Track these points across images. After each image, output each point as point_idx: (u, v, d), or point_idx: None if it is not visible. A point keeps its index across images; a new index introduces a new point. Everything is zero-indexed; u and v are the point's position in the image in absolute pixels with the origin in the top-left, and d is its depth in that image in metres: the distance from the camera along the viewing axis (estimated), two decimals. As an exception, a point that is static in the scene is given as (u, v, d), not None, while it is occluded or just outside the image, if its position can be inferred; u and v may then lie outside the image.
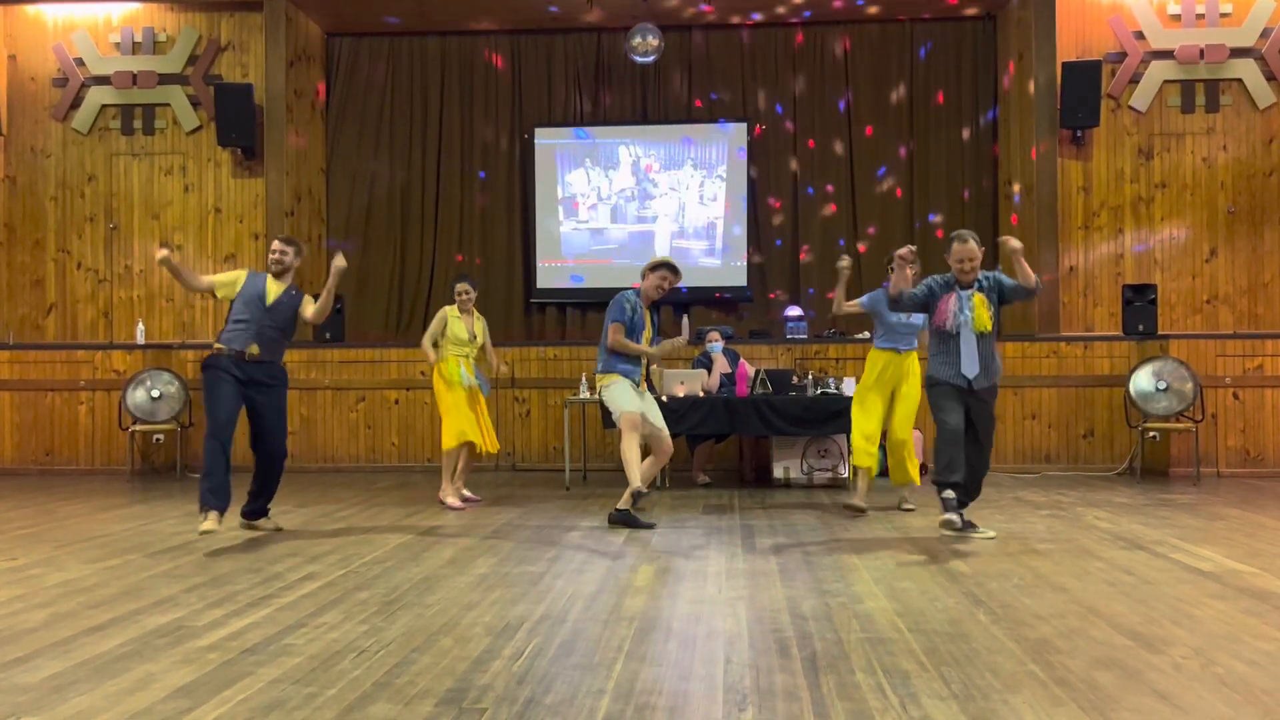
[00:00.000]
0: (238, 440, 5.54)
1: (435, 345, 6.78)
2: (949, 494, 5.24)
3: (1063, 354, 8.82)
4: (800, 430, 7.61)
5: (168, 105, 10.35)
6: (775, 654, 3.30)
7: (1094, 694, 2.89)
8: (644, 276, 6.09)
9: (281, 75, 9.99)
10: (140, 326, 9.86)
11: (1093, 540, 5.36)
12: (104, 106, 10.37)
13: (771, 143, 10.54)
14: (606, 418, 6.68)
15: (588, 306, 10.48)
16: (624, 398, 5.93)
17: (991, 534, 5.45)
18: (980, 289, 5.30)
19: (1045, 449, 8.80)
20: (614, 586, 4.33)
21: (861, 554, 5.03)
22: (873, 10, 10.20)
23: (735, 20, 10.41)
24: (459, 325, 6.78)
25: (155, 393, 8.65)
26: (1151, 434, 8.21)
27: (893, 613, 3.82)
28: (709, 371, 8.09)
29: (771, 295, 10.42)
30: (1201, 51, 9.57)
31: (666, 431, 6.11)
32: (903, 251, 5.63)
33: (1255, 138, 9.66)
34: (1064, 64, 9.32)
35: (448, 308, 6.90)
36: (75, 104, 10.38)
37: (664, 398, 7.48)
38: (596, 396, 6.53)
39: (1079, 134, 9.61)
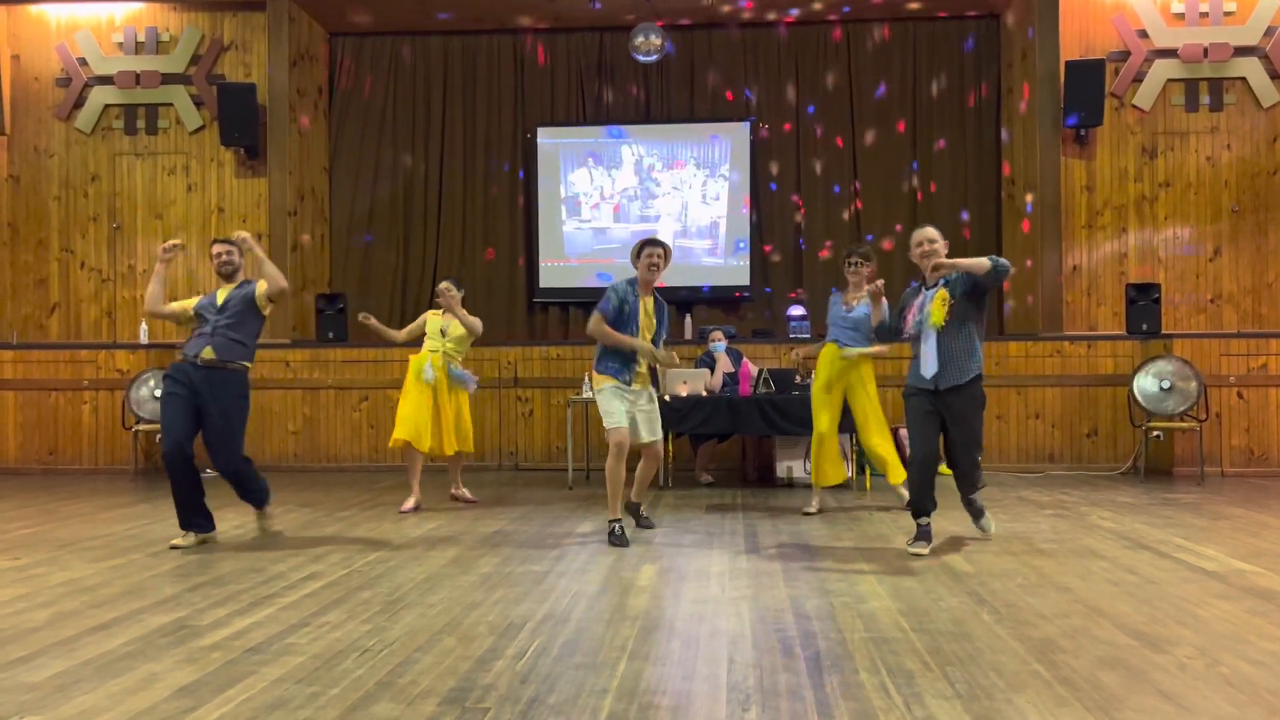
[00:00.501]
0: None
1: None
2: (924, 520, 5.10)
3: (1066, 353, 8.81)
4: (803, 430, 7.55)
5: (171, 105, 10.37)
6: (779, 653, 3.30)
7: (1098, 694, 2.88)
8: (634, 264, 5.77)
9: (284, 75, 9.99)
10: (144, 326, 9.87)
11: (1097, 540, 5.35)
12: (107, 106, 10.39)
13: (774, 142, 10.53)
14: None
15: (591, 306, 10.41)
16: (610, 408, 5.49)
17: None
18: (945, 284, 5.12)
19: (1049, 448, 8.79)
20: (617, 586, 4.33)
21: (865, 553, 5.03)
22: (875, 4, 10.18)
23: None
24: (434, 322, 6.80)
25: (158, 392, 8.65)
26: (1155, 433, 8.19)
27: (896, 612, 3.82)
28: (712, 371, 8.09)
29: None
30: (1205, 50, 9.55)
31: (659, 441, 5.75)
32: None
33: (1259, 136, 9.64)
34: (1066, 63, 9.30)
35: (430, 310, 7.00)
36: (78, 104, 10.40)
37: (666, 397, 7.47)
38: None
39: (1082, 133, 9.60)
